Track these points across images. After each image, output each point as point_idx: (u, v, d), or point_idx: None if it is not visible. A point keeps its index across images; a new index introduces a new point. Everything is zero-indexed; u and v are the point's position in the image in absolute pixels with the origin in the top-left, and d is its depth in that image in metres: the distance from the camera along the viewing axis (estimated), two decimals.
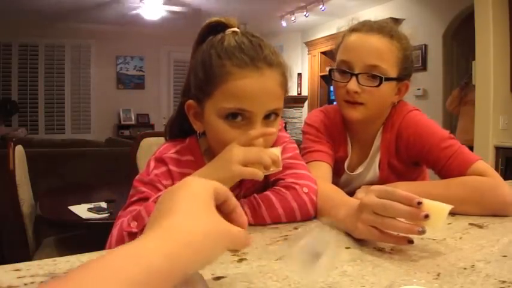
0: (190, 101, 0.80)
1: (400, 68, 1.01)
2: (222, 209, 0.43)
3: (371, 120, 1.05)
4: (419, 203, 0.58)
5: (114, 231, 0.72)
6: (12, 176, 1.73)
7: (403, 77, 1.03)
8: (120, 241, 0.69)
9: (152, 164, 0.82)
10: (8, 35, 6.31)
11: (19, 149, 1.87)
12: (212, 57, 0.74)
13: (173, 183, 0.81)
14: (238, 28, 0.79)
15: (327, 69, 1.08)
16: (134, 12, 5.78)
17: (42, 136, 6.52)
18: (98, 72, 7.13)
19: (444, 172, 0.98)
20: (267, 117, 0.76)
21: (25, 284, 0.49)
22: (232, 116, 0.73)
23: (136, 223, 0.68)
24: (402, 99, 1.09)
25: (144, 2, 5.50)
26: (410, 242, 0.61)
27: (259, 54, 0.73)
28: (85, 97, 7.14)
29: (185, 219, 0.37)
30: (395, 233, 0.62)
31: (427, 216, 0.58)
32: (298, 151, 0.90)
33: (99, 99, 7.14)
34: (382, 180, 1.08)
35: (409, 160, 1.07)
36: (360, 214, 0.65)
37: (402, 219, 0.61)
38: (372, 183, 1.08)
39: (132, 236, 0.67)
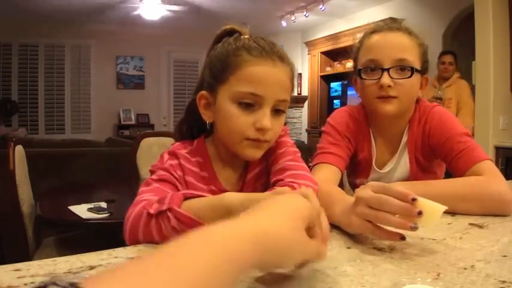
0: (203, 92, 0.84)
1: (422, 61, 1.05)
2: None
3: (400, 115, 1.08)
4: (414, 200, 0.59)
5: (137, 208, 0.70)
6: (12, 176, 1.73)
7: (424, 70, 1.07)
8: (138, 218, 0.68)
9: (166, 156, 0.86)
10: (8, 35, 6.30)
11: (19, 149, 1.87)
12: (229, 50, 0.80)
13: (184, 177, 0.84)
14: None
15: (356, 70, 1.10)
16: (134, 12, 5.78)
17: (42, 136, 6.52)
18: (98, 72, 7.12)
19: (452, 165, 1.01)
20: (275, 111, 0.80)
21: (25, 284, 0.49)
22: (244, 103, 0.78)
23: (157, 205, 0.67)
24: (422, 98, 1.13)
25: (144, 2, 5.51)
26: (403, 238, 0.62)
27: (273, 49, 0.80)
28: (85, 97, 7.13)
29: (276, 226, 0.43)
30: (389, 228, 0.62)
31: (420, 213, 0.58)
32: (299, 154, 0.91)
33: (99, 99, 7.14)
34: (412, 177, 1.11)
35: (431, 153, 1.09)
36: (355, 208, 0.65)
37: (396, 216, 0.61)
38: (401, 180, 1.09)
39: (149, 216, 0.67)
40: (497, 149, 3.51)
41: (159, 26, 6.46)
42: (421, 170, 1.12)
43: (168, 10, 5.73)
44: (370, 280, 0.51)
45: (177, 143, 0.90)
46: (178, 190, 0.81)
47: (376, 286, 0.50)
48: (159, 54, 7.49)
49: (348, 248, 0.65)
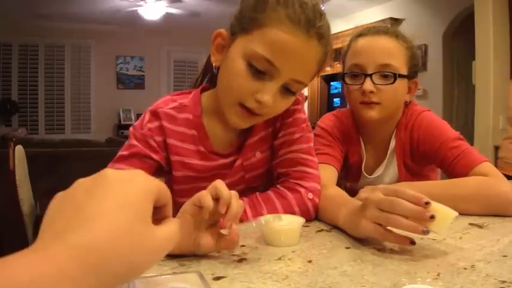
0: (222, 30, 0.76)
1: (409, 65, 1.04)
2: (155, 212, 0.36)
3: (386, 120, 1.07)
4: (427, 203, 0.58)
5: None
6: (12, 176, 1.73)
7: (412, 74, 1.05)
8: None
9: (147, 116, 0.80)
10: (8, 35, 6.30)
11: (19, 149, 1.87)
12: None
13: (165, 140, 0.77)
14: None
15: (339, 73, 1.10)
16: (134, 12, 5.78)
17: (42, 136, 6.52)
18: (98, 72, 7.12)
19: (450, 170, 0.99)
20: (286, 89, 0.72)
21: None
22: (256, 68, 0.69)
23: None
24: (412, 101, 1.11)
25: (144, 2, 5.50)
26: (412, 243, 0.61)
27: (316, 21, 0.69)
28: (85, 97, 7.13)
29: (110, 241, 0.30)
30: (399, 232, 0.62)
31: (432, 217, 0.58)
32: (312, 144, 0.87)
33: (99, 99, 7.14)
34: (401, 182, 1.09)
35: (422, 159, 1.08)
36: (365, 210, 0.64)
37: None
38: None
39: None
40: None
41: (159, 26, 6.45)
42: (411, 175, 1.10)
43: (168, 10, 5.73)
44: (370, 280, 0.51)
45: (169, 96, 0.84)
46: (150, 163, 0.77)
47: (376, 286, 0.50)
48: (159, 54, 7.49)
49: (348, 248, 0.65)
